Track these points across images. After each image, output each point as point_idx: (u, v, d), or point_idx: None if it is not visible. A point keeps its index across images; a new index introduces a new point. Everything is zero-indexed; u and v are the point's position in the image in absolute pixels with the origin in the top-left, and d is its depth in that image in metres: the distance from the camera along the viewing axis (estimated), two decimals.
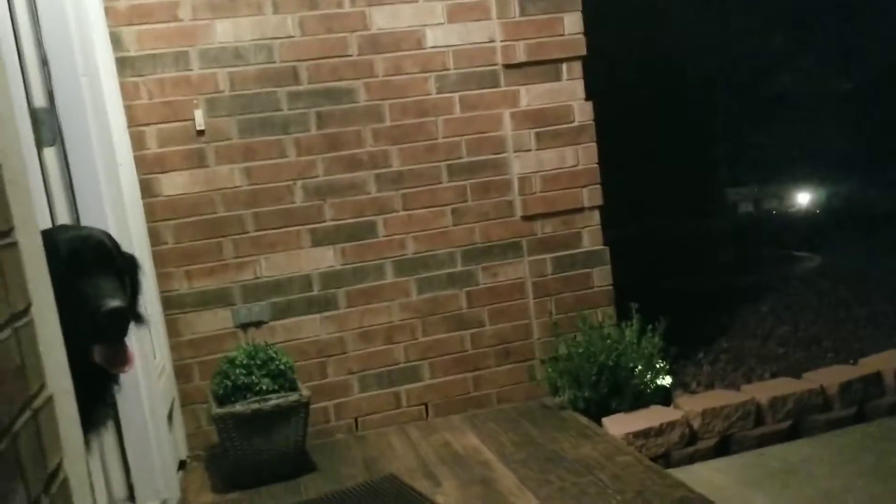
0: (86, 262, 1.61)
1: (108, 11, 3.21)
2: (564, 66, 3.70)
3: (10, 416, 0.84)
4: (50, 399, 1.02)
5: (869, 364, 3.64)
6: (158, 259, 3.38)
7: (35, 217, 1.17)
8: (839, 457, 3.11)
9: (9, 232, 0.95)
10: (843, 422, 3.39)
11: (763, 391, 3.45)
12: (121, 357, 1.62)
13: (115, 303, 1.56)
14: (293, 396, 3.10)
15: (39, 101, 2.55)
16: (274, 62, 3.43)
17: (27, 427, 0.89)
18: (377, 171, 3.56)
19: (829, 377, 3.51)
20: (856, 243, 6.12)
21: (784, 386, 3.50)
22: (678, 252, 5.80)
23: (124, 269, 1.76)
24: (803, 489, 2.87)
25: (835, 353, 3.99)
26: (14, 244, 0.97)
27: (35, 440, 0.92)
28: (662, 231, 5.94)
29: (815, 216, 7.03)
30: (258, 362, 3.13)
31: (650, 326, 3.56)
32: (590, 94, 3.75)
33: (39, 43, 2.55)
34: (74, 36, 2.61)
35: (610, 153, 4.04)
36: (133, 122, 3.31)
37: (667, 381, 3.56)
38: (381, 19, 3.52)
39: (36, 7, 2.54)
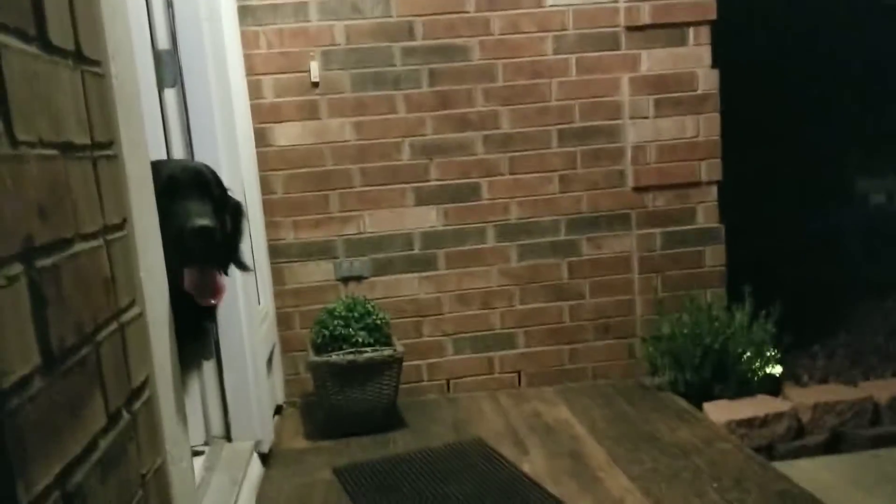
0: (181, 186, 1.62)
1: None
2: (691, 31, 3.50)
3: (93, 325, 0.84)
4: (140, 316, 1.03)
5: None
6: (268, 208, 3.45)
7: (143, 135, 1.17)
8: None
9: (109, 144, 0.96)
10: None
11: (883, 389, 3.20)
12: (209, 286, 1.61)
13: (202, 221, 1.56)
14: (387, 351, 3.11)
15: (163, 43, 2.63)
16: (391, 16, 3.40)
17: (111, 338, 0.90)
18: (485, 133, 3.49)
19: None
20: None
21: None
22: (801, 240, 5.44)
23: (224, 205, 1.77)
24: None
25: None
26: (114, 157, 0.97)
27: (120, 353, 0.92)
28: (787, 216, 5.59)
29: None
30: (356, 315, 3.16)
31: (763, 312, 3.36)
32: (717, 63, 3.54)
33: None
34: None
35: (735, 128, 3.81)
36: (251, 71, 3.38)
37: (777, 370, 3.35)
38: None
39: None
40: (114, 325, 0.91)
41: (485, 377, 3.60)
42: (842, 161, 6.21)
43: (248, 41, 3.35)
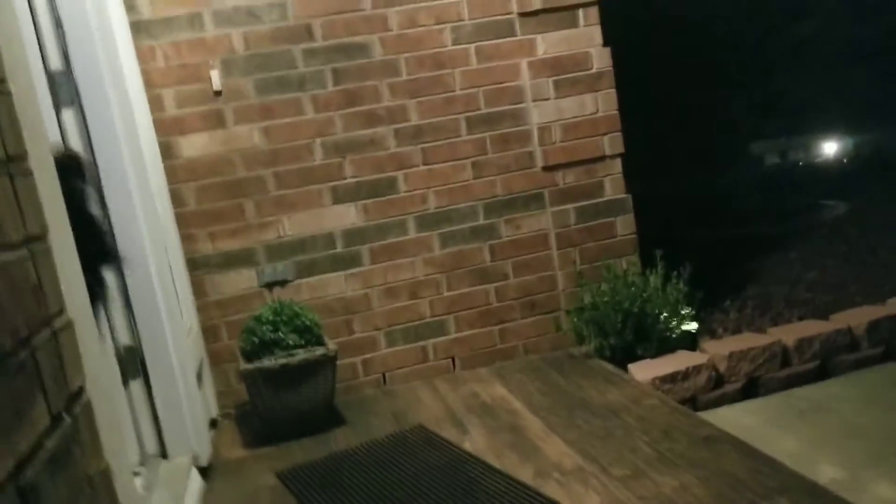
0: None
1: None
2: (581, 12, 3.64)
3: (28, 330, 0.86)
4: (71, 323, 1.05)
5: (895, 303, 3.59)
6: (182, 221, 3.41)
7: (48, 152, 1.18)
8: (867, 394, 3.08)
9: (23, 158, 0.97)
10: (871, 360, 3.36)
11: (789, 333, 3.42)
12: None
13: None
14: (320, 351, 3.13)
15: (55, 63, 2.57)
16: (288, 20, 3.41)
17: (47, 344, 0.91)
18: (396, 126, 3.54)
19: (857, 318, 3.47)
20: (883, 191, 6.00)
21: (811, 327, 3.46)
22: (704, 203, 5.73)
23: None
24: (831, 427, 2.85)
25: (862, 296, 3.92)
26: (30, 171, 0.98)
27: (55, 358, 0.94)
28: (688, 182, 5.87)
29: (843, 165, 6.90)
30: (284, 318, 3.16)
31: (675, 273, 3.54)
32: (607, 43, 3.69)
33: (53, 6, 2.56)
34: None
35: (632, 104, 3.98)
36: (150, 85, 3.33)
37: (692, 326, 3.54)
38: None
39: None
40: (47, 332, 0.93)
41: (420, 366, 3.66)
42: (736, 127, 6.56)
43: (144, 56, 3.31)
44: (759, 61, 6.09)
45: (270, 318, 3.16)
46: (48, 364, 0.90)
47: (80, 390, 1.04)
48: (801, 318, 3.72)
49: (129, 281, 2.75)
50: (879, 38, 7.38)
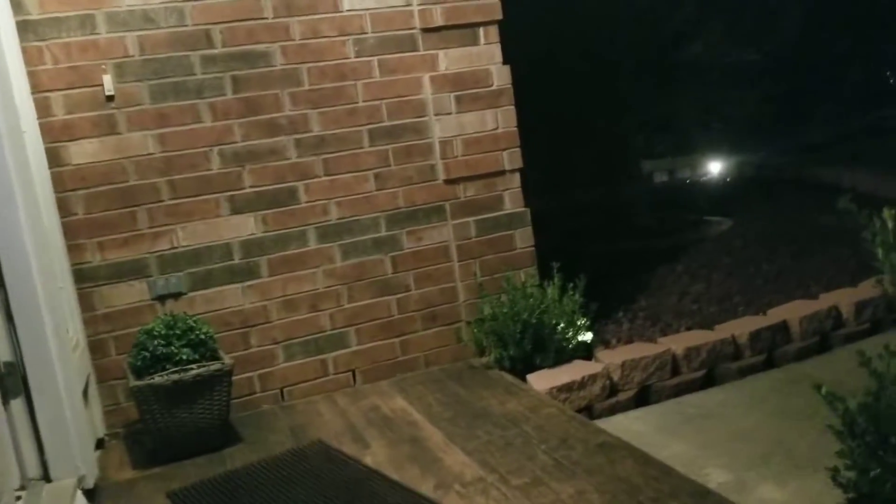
0: None
1: None
2: (482, 30, 3.72)
3: None
4: None
5: (776, 314, 3.82)
6: (69, 230, 3.25)
7: None
8: (751, 400, 3.27)
9: None
10: (754, 368, 3.57)
11: (678, 342, 3.58)
12: None
13: None
14: (215, 366, 3.04)
15: None
16: (186, 25, 3.32)
17: None
18: (297, 136, 3.50)
19: (740, 327, 3.67)
20: (764, 207, 6.39)
21: (698, 337, 3.64)
22: (598, 219, 5.95)
23: None
24: (718, 431, 3.00)
25: (745, 306, 4.16)
26: None
27: None
28: (582, 200, 6.08)
29: (727, 183, 7.32)
30: (177, 332, 3.06)
31: (571, 285, 3.64)
32: (508, 61, 3.78)
33: None
34: None
35: (532, 122, 4.09)
36: (37, 88, 3.16)
37: (588, 336, 3.65)
38: None
39: None
40: None
41: (320, 380, 3.61)
42: (626, 145, 6.83)
43: (31, 57, 3.14)
44: (647, 83, 6.38)
45: (163, 331, 3.05)
46: None
47: None
48: (688, 329, 3.90)
49: (10, 293, 2.60)
50: (761, 63, 7.89)
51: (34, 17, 3.13)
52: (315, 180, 3.54)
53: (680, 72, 6.73)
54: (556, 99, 5.69)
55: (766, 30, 7.77)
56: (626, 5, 6.14)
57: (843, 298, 3.87)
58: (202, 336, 3.10)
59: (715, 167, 7.53)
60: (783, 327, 3.69)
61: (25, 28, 3.11)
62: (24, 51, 3.11)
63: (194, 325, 3.11)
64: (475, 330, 3.64)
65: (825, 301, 3.90)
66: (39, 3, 3.14)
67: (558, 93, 5.80)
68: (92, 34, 3.20)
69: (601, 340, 3.88)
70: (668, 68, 6.57)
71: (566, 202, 6.06)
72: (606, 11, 5.99)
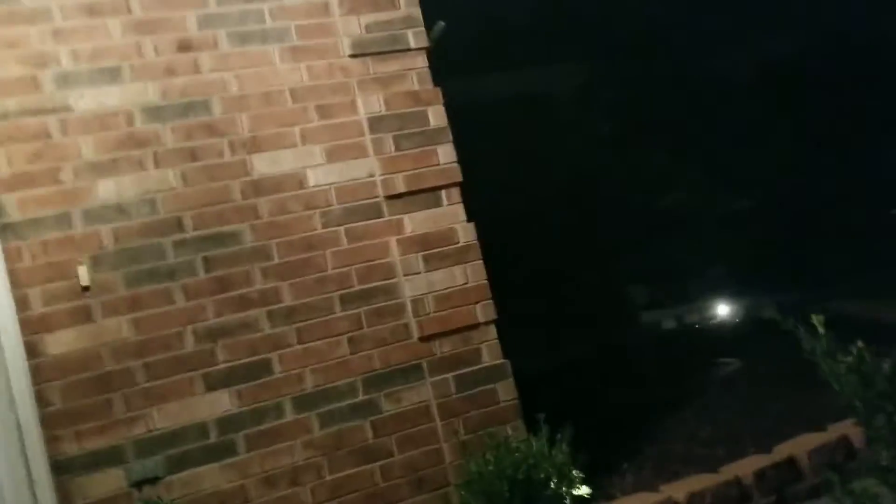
0: None
1: None
2: (444, 193, 3.87)
3: None
4: None
5: (782, 450, 3.62)
6: (47, 422, 3.26)
7: None
8: None
9: None
10: None
11: (680, 489, 3.40)
12: None
13: None
14: None
15: None
16: (158, 214, 3.51)
17: None
18: (269, 308, 3.57)
19: (744, 468, 3.49)
20: (772, 347, 6.23)
21: (701, 481, 3.46)
22: (600, 372, 5.83)
23: None
24: None
25: (754, 447, 3.95)
26: None
27: None
28: (583, 356, 5.99)
29: (736, 325, 7.21)
30: None
31: (559, 437, 3.50)
32: (479, 221, 3.90)
33: None
34: None
35: (518, 281, 4.15)
36: (17, 285, 3.31)
37: (583, 490, 3.45)
38: (262, 165, 3.67)
39: None
40: None
41: None
42: (629, 294, 6.83)
43: (10, 256, 3.31)
44: (637, 231, 6.49)
45: None
46: None
47: None
48: (696, 472, 3.69)
49: None
50: (751, 209, 8.04)
51: (14, 219, 3.33)
52: (288, 349, 3.56)
53: (669, 219, 6.86)
54: (549, 252, 5.80)
55: (760, 179, 7.98)
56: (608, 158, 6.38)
57: (853, 428, 3.65)
58: None
59: (723, 310, 7.48)
60: (790, 464, 3.51)
61: (5, 230, 3.31)
62: (4, 251, 3.29)
63: None
64: (462, 492, 3.47)
65: (834, 432, 3.70)
66: (20, 208, 3.35)
67: (549, 245, 5.90)
68: (68, 230, 3.39)
69: (603, 494, 3.68)
70: (657, 216, 6.71)
71: (568, 360, 5.98)
72: (587, 166, 6.22)
